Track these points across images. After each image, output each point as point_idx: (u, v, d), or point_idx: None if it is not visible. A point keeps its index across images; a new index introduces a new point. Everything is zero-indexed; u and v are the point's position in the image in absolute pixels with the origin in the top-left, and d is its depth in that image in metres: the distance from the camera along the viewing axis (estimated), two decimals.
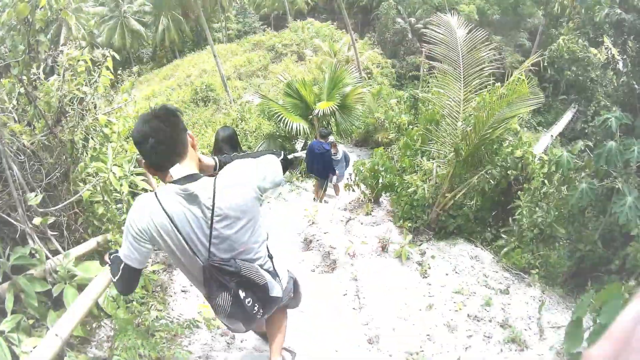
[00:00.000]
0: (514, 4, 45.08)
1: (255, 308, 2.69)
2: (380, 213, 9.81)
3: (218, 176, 2.54)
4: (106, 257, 2.88)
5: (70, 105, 5.01)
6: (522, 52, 43.45)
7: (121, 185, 5.06)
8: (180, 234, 2.45)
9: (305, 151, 12.38)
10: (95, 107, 5.34)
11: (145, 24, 57.16)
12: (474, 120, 7.11)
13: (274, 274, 2.91)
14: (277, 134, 16.10)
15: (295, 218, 9.67)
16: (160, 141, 2.39)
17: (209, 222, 2.47)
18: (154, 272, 5.44)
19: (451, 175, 7.79)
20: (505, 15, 45.52)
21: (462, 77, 8.33)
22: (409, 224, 8.10)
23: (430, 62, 9.23)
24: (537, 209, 6.86)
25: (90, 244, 4.56)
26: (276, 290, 2.85)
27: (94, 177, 5.10)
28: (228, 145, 5.93)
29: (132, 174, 5.32)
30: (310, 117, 15.16)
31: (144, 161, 2.52)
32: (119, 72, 36.73)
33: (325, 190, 12.26)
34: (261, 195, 2.65)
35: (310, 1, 59.48)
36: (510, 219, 7.50)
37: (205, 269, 2.55)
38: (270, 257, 2.94)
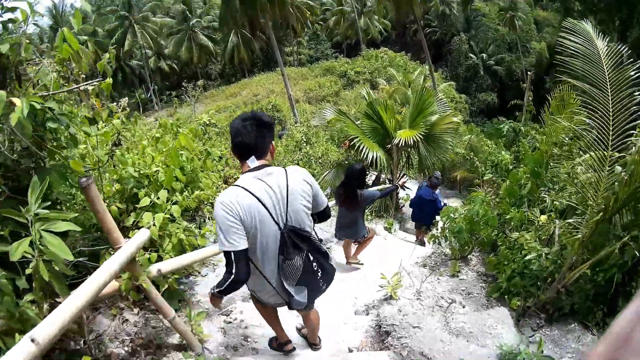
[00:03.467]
0: None
1: (319, 275, 3.09)
2: (469, 275, 7.52)
3: (290, 168, 3.02)
4: (210, 292, 3.13)
5: None
6: None
7: None
8: (264, 206, 2.79)
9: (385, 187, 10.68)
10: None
11: (215, 40, 56.90)
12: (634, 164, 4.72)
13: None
14: (347, 162, 12.99)
15: (362, 278, 7.21)
16: (244, 141, 2.86)
17: (285, 194, 2.87)
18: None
19: (587, 240, 5.29)
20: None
21: (610, 101, 5.42)
22: (518, 302, 5.84)
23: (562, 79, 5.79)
24: None
25: None
26: (332, 261, 3.22)
27: None
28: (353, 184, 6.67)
29: None
30: (389, 146, 12.06)
31: (231, 147, 2.96)
32: (184, 84, 36.39)
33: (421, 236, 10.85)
34: (309, 203, 3.04)
35: (384, 31, 58.13)
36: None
37: (283, 233, 2.88)
38: (320, 240, 3.18)
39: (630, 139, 5.21)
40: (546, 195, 7.26)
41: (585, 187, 5.71)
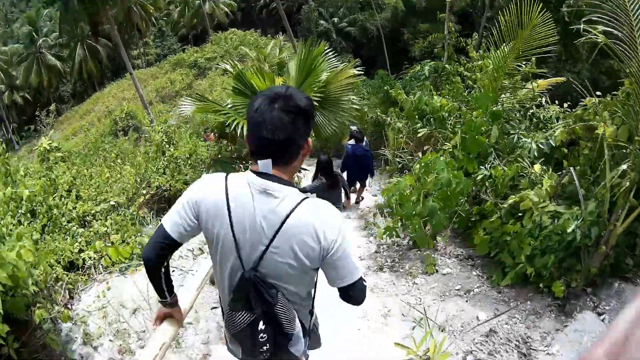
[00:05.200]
0: None
1: (264, 348, 2.03)
2: (451, 265, 5.90)
3: (311, 198, 1.93)
4: None
5: None
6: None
7: None
8: (231, 224, 1.88)
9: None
10: None
11: (63, 58, 52.73)
12: None
13: (306, 332, 2.24)
14: (222, 156, 9.92)
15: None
16: (272, 140, 1.81)
17: (273, 232, 1.85)
18: None
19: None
20: (431, 2, 42.01)
21: None
22: (561, 286, 4.50)
23: None
24: None
25: None
26: (296, 348, 2.16)
27: None
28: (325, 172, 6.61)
29: None
30: None
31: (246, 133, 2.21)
32: (36, 113, 33.22)
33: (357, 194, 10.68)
34: (307, 266, 1.93)
35: (230, 13, 55.62)
36: None
37: (243, 277, 1.95)
38: (311, 313, 2.28)
39: None
40: (525, 139, 5.94)
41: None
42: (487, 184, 5.80)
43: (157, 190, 9.47)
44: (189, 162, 10.66)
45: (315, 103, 7.97)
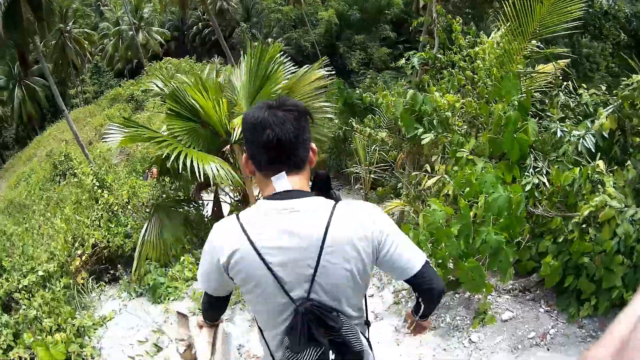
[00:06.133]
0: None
1: None
2: (517, 308, 4.44)
3: (341, 202, 1.68)
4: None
5: None
6: (388, 44, 42.49)
7: None
8: (267, 266, 1.60)
9: None
10: None
11: (2, 101, 49.70)
12: None
13: (369, 343, 1.93)
14: (171, 197, 8.05)
15: None
16: (279, 138, 1.59)
17: (318, 251, 1.58)
18: None
19: None
20: (365, 13, 44.13)
21: None
22: None
23: None
24: None
25: None
26: None
27: None
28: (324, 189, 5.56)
29: None
30: (226, 148, 7.21)
31: (244, 155, 1.77)
32: None
33: None
34: (367, 265, 1.67)
35: (164, 42, 54.29)
36: None
37: (298, 312, 1.62)
38: (368, 323, 1.94)
39: None
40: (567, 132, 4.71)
41: None
42: (536, 194, 4.39)
43: (94, 249, 7.71)
44: (129, 207, 8.71)
45: None
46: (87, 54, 49.02)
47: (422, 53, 7.31)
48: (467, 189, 4.06)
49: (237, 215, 1.67)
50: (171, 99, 6.70)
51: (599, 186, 3.88)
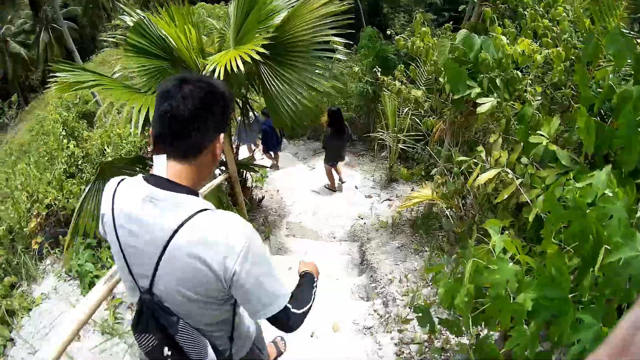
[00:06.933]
0: None
1: None
2: None
3: (210, 211, 1.44)
4: None
5: None
6: (436, 10, 41.28)
7: None
8: (119, 244, 1.52)
9: None
10: None
11: (28, 45, 48.93)
12: None
13: (225, 358, 1.79)
14: (120, 157, 6.92)
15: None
16: (174, 114, 1.39)
17: (158, 254, 1.43)
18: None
19: None
20: None
21: None
22: None
23: None
24: None
25: None
26: None
27: None
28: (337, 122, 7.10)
29: None
30: None
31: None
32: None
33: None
34: (206, 296, 1.48)
35: None
36: None
37: (141, 299, 1.56)
38: (232, 339, 1.78)
39: None
40: None
41: None
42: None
43: (50, 209, 6.44)
44: (99, 160, 7.26)
45: (263, 59, 4.53)
46: None
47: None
48: (568, 223, 2.00)
49: (122, 180, 1.54)
50: (136, 32, 4.97)
51: None
